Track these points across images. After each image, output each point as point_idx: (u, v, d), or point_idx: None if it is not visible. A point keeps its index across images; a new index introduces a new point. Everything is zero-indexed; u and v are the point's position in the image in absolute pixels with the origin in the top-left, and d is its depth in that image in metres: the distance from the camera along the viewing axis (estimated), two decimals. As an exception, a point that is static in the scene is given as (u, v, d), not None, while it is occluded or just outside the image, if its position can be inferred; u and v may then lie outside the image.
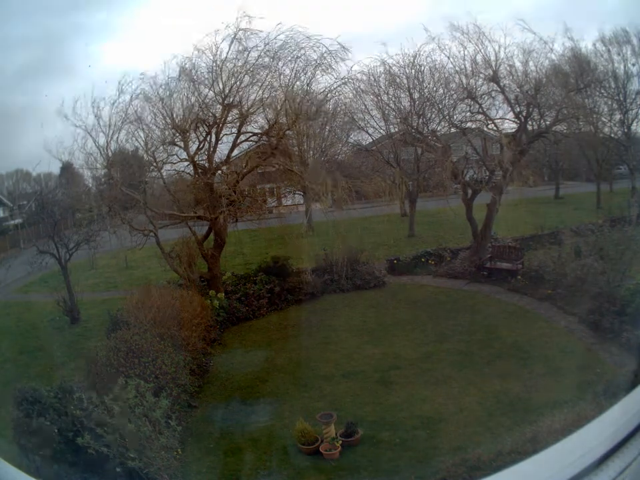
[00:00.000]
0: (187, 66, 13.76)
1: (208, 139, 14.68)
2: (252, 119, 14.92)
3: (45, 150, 13.41)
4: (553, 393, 8.35)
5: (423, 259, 17.72)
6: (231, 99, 13.99)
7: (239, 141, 14.94)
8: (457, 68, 16.08)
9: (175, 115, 13.96)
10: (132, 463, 6.46)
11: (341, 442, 7.73)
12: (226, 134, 14.98)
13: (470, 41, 15.41)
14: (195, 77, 13.82)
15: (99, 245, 15.95)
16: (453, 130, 17.62)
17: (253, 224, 15.81)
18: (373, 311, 14.26)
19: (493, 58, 15.40)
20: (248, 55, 13.54)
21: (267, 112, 14.69)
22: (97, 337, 12.20)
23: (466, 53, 15.66)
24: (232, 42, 13.39)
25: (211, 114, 14.38)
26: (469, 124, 17.04)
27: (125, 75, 13.62)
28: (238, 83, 13.78)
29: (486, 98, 16.03)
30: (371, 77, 18.62)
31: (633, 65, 22.23)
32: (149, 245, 14.66)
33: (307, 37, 13.45)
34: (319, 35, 13.88)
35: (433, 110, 17.63)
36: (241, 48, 13.52)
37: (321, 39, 13.72)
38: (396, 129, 21.02)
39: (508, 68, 15.55)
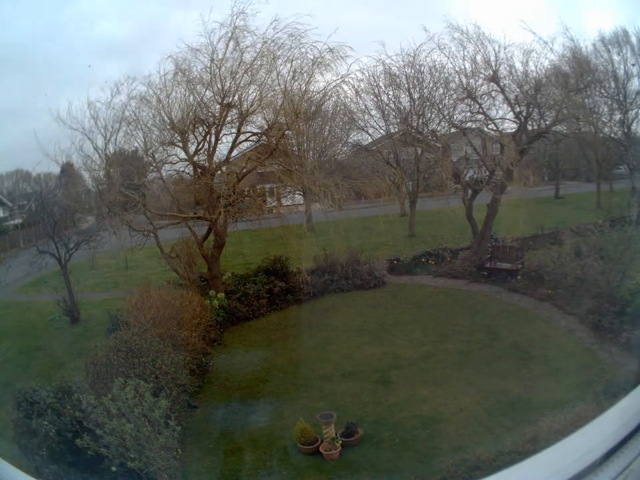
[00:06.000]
0: (183, 66, 13.73)
1: (207, 138, 14.67)
2: (251, 119, 14.90)
3: (43, 153, 13.39)
4: (553, 393, 8.35)
5: (423, 259, 17.69)
6: (230, 99, 13.97)
7: (238, 141, 14.92)
8: (456, 68, 16.10)
9: (173, 116, 13.94)
10: (131, 463, 6.46)
11: (341, 442, 7.72)
12: (225, 134, 14.98)
13: (470, 41, 15.44)
14: (191, 77, 13.79)
15: (98, 245, 15.95)
16: (453, 130, 17.62)
17: (252, 224, 15.77)
18: (372, 311, 14.24)
19: (492, 58, 15.41)
20: (243, 55, 13.50)
21: (266, 112, 14.67)
22: (97, 337, 12.21)
23: (466, 52, 15.69)
24: (228, 41, 13.34)
25: (210, 113, 14.36)
26: (469, 124, 17.05)
27: (122, 75, 13.62)
28: (236, 82, 13.74)
29: (486, 98, 16.04)
30: (370, 77, 18.65)
31: (633, 65, 22.23)
32: (149, 245, 14.66)
33: (305, 34, 13.34)
34: (316, 30, 13.70)
35: (433, 110, 17.64)
36: (237, 47, 13.48)
37: (320, 37, 13.61)
38: (396, 129, 21.02)
39: (508, 68, 15.57)
